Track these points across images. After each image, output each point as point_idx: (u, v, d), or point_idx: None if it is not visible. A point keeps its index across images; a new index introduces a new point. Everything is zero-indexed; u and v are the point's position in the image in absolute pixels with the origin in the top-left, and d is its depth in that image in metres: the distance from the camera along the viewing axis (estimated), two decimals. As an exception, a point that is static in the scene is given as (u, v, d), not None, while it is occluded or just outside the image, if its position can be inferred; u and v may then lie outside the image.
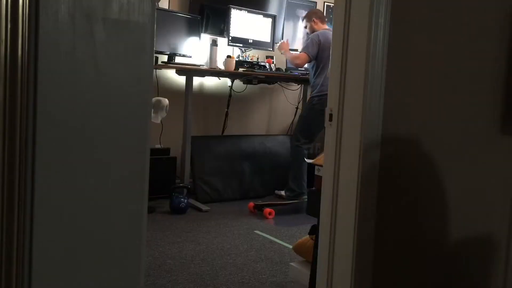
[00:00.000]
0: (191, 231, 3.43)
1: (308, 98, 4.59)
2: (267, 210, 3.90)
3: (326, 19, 4.47)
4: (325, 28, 4.33)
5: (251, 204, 4.01)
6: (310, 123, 4.21)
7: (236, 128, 4.92)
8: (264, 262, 2.87)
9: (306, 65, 4.38)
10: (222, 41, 4.52)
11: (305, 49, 4.22)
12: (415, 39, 1.76)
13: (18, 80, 1.09)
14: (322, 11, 5.54)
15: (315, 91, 4.21)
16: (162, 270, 2.67)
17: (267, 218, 3.84)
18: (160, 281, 2.52)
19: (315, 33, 4.25)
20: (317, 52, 4.16)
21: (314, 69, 4.26)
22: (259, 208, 3.96)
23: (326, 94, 4.05)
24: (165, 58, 4.21)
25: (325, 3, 5.54)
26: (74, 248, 1.21)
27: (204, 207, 3.99)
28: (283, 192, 4.37)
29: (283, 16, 5.03)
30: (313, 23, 4.35)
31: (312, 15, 4.38)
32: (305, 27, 4.43)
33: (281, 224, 3.74)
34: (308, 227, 2.48)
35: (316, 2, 5.46)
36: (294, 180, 4.29)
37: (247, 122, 5.04)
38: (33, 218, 1.13)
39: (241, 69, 4.36)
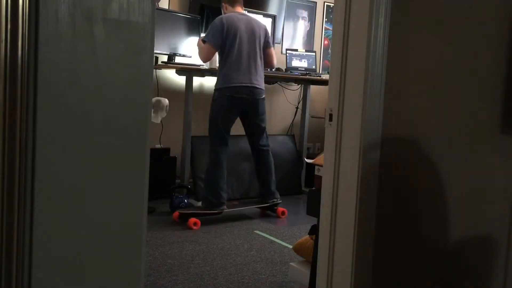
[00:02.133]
0: (191, 231, 3.43)
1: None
2: (192, 220, 3.52)
3: (239, 2, 3.84)
4: (236, 11, 3.78)
5: (176, 213, 3.63)
6: (217, 122, 3.66)
7: (236, 128, 4.91)
8: (264, 262, 2.87)
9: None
10: (222, 41, 4.52)
11: (206, 37, 3.65)
12: (415, 39, 1.76)
13: (18, 80, 1.09)
14: (324, 11, 5.55)
15: (217, 83, 3.68)
16: (162, 270, 2.67)
17: (192, 228, 3.49)
18: (160, 281, 2.52)
19: (218, 17, 3.70)
20: (222, 40, 3.59)
21: (219, 59, 3.75)
22: (184, 217, 3.59)
23: (229, 88, 3.57)
24: (165, 58, 4.21)
25: (325, 3, 5.54)
26: (74, 248, 1.21)
27: (204, 207, 3.99)
28: (200, 204, 3.82)
29: (283, 16, 5.04)
30: (224, 9, 3.84)
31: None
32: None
33: (281, 224, 3.74)
34: (308, 227, 2.47)
35: (316, 2, 5.46)
36: (210, 190, 3.64)
37: (247, 122, 5.03)
38: (33, 218, 1.13)
39: (241, 69, 4.34)
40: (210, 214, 3.66)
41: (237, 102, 3.64)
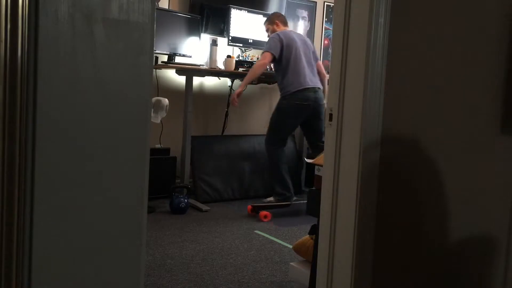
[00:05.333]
0: (191, 231, 3.43)
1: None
2: (263, 213, 3.81)
3: (288, 24, 4.33)
4: (287, 29, 4.22)
5: (249, 207, 3.94)
6: (282, 128, 4.11)
7: (236, 128, 4.92)
8: (264, 262, 2.87)
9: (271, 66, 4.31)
10: (222, 41, 4.52)
11: (267, 49, 4.01)
12: (415, 39, 1.76)
13: (18, 80, 1.09)
14: (324, 11, 5.55)
15: (283, 92, 4.06)
16: (162, 270, 2.67)
17: (262, 221, 3.76)
18: (160, 281, 2.52)
19: (275, 32, 4.09)
20: (280, 50, 3.97)
21: (280, 69, 4.07)
22: (256, 211, 3.89)
23: (296, 94, 3.92)
24: (165, 58, 4.21)
25: (325, 3, 5.54)
26: (74, 248, 1.21)
27: (204, 207, 3.99)
28: (271, 198, 4.20)
29: (283, 16, 5.03)
30: (275, 26, 4.19)
31: (275, 18, 4.24)
32: (267, 30, 4.26)
33: (281, 224, 3.74)
34: (308, 227, 2.48)
35: (316, 2, 5.46)
36: (282, 185, 4.13)
37: (247, 122, 5.04)
38: (33, 218, 1.13)
39: (241, 69, 4.36)
40: (281, 206, 4.07)
41: (303, 110, 3.99)
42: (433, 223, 1.87)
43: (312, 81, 4.03)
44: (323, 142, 4.22)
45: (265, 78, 4.48)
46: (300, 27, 5.38)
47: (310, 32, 5.46)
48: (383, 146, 1.70)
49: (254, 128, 5.07)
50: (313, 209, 2.08)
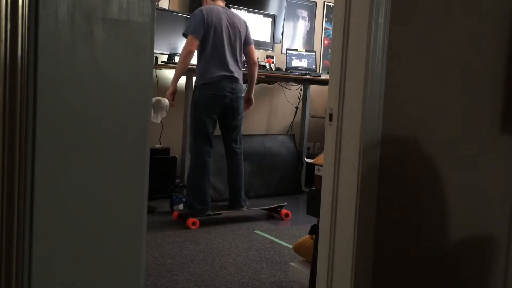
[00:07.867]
0: (191, 231, 3.43)
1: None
2: (191, 220, 3.49)
3: None
4: (216, 4, 3.59)
5: (175, 213, 3.64)
6: (200, 124, 3.50)
7: (236, 128, 4.91)
8: (264, 262, 2.87)
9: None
10: (222, 41, 4.51)
11: (190, 31, 3.40)
12: (415, 39, 1.76)
13: (18, 80, 1.09)
14: (324, 11, 5.55)
15: (197, 80, 3.49)
16: (162, 270, 2.67)
17: (190, 228, 3.47)
18: (160, 281, 2.52)
19: (198, 9, 3.50)
20: (204, 31, 3.38)
21: (198, 52, 3.48)
22: (183, 217, 3.58)
23: (211, 84, 3.41)
24: (165, 58, 4.21)
25: (325, 3, 5.54)
26: (74, 248, 1.21)
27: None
28: (181, 207, 3.79)
29: (283, 16, 5.04)
30: (204, 3, 3.67)
31: None
32: (201, 4, 3.74)
33: (281, 224, 3.74)
34: (308, 227, 2.47)
35: (316, 2, 5.46)
36: (196, 196, 3.52)
37: (247, 122, 5.04)
38: (33, 218, 1.13)
39: (241, 69, 4.34)
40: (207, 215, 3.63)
41: (219, 101, 3.47)
42: (433, 223, 1.87)
43: (231, 70, 3.47)
44: (239, 148, 3.68)
45: (265, 78, 4.48)
46: (300, 27, 5.38)
47: (310, 32, 5.46)
48: (383, 146, 1.70)
49: (254, 128, 5.07)
50: (313, 209, 2.08)
